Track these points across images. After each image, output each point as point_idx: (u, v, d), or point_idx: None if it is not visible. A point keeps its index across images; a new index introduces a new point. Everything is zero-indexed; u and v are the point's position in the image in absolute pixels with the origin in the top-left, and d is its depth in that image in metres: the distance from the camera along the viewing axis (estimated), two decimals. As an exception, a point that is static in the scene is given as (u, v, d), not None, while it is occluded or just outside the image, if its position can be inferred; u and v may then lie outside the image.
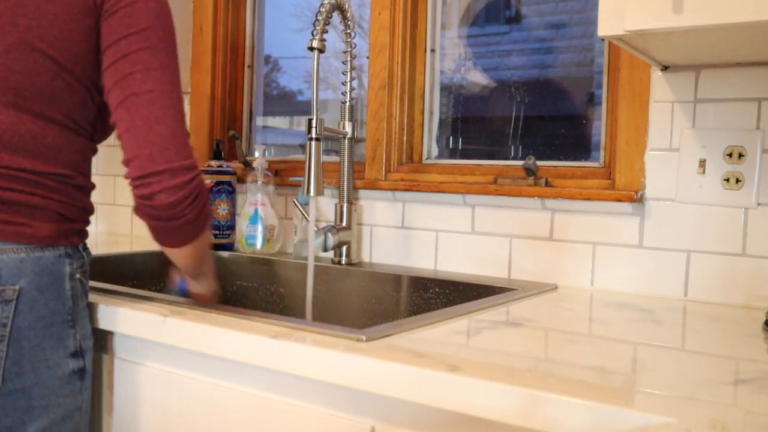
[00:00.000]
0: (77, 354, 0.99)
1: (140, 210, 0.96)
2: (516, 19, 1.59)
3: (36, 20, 0.92)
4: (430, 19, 1.62)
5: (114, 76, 0.94)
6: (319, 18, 1.37)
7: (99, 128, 1.03)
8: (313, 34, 1.37)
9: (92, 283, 1.11)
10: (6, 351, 0.91)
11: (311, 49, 1.36)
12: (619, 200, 1.26)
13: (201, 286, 1.19)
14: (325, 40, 1.38)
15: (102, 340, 1.08)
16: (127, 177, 0.94)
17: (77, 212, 1.00)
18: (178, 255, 1.05)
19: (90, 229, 1.07)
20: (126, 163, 0.93)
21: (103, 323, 1.04)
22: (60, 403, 0.97)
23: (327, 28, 1.38)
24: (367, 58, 1.61)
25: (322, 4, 1.38)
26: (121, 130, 0.93)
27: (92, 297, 1.07)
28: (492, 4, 1.61)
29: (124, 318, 1.02)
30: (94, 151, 1.05)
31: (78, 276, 0.99)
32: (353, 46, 1.50)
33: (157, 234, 1.00)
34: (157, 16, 0.95)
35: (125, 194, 2.04)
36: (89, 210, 1.04)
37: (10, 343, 0.91)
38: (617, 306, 1.15)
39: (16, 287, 0.91)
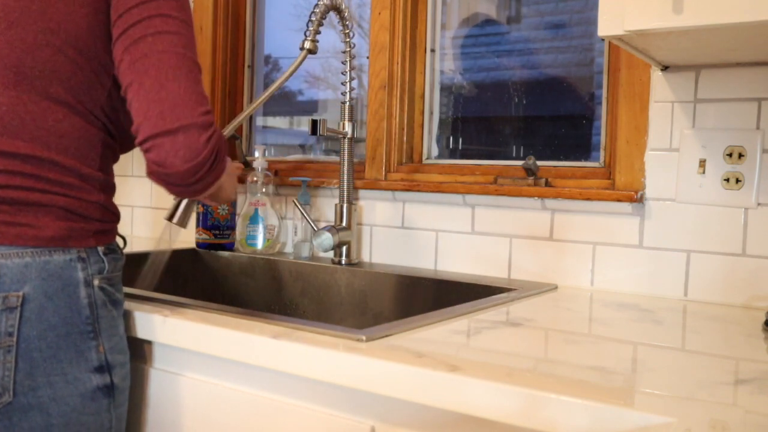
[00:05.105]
0: (102, 369, 0.92)
1: (154, 175, 0.87)
2: (516, 19, 1.59)
3: None
4: (430, 19, 1.62)
5: (124, 44, 0.88)
6: (313, 19, 1.36)
7: (116, 122, 0.96)
8: (305, 35, 1.36)
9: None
10: (15, 362, 0.85)
11: (303, 50, 1.35)
12: (619, 200, 1.26)
13: (216, 201, 1.09)
14: (317, 41, 1.37)
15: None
16: (136, 143, 0.86)
17: (92, 209, 0.92)
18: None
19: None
20: (135, 130, 0.85)
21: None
22: (83, 421, 0.90)
23: (327, 28, 1.38)
24: (367, 58, 1.61)
25: (316, 5, 1.38)
26: (131, 94, 0.86)
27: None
28: (492, 4, 1.61)
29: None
30: (110, 145, 0.96)
31: (97, 283, 0.92)
32: (352, 46, 1.50)
33: (174, 193, 0.92)
34: None
35: (125, 193, 2.04)
36: (110, 208, 0.95)
37: (19, 353, 0.85)
38: (617, 306, 1.15)
39: (19, 294, 0.85)
